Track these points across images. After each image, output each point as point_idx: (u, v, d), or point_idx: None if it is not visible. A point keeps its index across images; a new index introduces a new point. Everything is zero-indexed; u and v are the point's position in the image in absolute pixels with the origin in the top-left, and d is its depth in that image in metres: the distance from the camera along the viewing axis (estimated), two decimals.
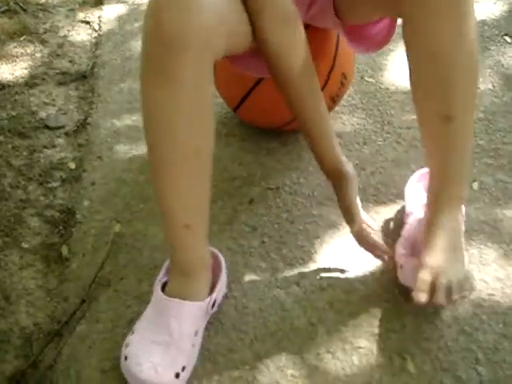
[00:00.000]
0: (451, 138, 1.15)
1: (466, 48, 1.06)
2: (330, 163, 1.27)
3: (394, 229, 1.38)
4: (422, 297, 1.12)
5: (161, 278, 1.21)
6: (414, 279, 1.18)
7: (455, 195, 1.21)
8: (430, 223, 1.21)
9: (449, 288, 1.14)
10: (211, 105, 1.07)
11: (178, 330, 1.13)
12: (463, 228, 1.25)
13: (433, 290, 1.13)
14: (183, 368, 1.12)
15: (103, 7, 2.29)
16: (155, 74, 0.98)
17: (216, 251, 1.27)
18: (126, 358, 1.12)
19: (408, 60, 1.13)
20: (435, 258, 1.16)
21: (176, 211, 1.10)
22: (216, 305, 1.22)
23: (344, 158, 1.28)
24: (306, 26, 1.24)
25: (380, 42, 1.35)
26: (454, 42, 1.05)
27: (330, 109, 1.58)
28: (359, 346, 1.19)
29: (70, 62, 2.00)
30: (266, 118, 1.59)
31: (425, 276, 1.14)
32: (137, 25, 2.16)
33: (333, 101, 1.53)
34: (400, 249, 1.29)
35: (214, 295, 1.20)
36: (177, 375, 1.10)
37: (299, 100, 1.21)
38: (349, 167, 1.28)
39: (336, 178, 1.28)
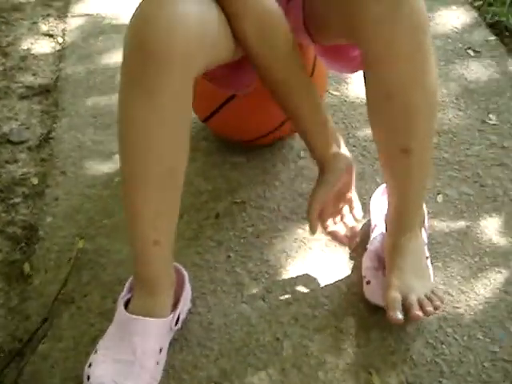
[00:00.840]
0: (410, 169, 1.16)
1: (424, 80, 1.07)
2: (320, 155, 1.26)
3: (360, 242, 1.38)
4: (397, 315, 1.12)
5: (124, 295, 1.19)
6: (380, 297, 1.20)
7: (416, 221, 1.24)
8: (394, 246, 1.23)
9: (420, 302, 1.15)
10: (189, 123, 1.07)
11: (141, 348, 1.11)
12: (426, 244, 1.28)
13: (406, 307, 1.14)
14: None
15: (67, 20, 2.26)
16: (137, 87, 0.97)
17: (179, 266, 1.25)
18: (88, 377, 1.09)
19: (367, 96, 1.13)
20: (403, 278, 1.18)
21: (146, 227, 1.08)
22: (180, 321, 1.20)
23: (337, 150, 1.25)
24: None
25: (356, 66, 1.30)
26: (409, 75, 1.05)
27: None
28: (325, 361, 1.18)
29: (34, 75, 1.98)
30: (236, 133, 1.58)
31: (395, 295, 1.15)
32: (101, 38, 2.14)
33: None
34: (367, 262, 1.29)
35: (178, 311, 1.19)
36: None
37: (295, 109, 1.21)
38: (338, 161, 1.25)
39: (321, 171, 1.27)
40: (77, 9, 2.33)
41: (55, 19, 2.29)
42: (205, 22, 0.98)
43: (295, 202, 1.50)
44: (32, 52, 2.10)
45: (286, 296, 1.30)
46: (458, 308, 1.26)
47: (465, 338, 1.22)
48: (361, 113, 1.76)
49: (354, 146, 1.66)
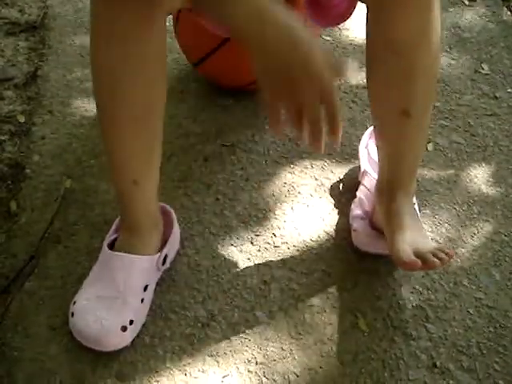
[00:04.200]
0: (409, 133, 1.13)
1: (430, 39, 1.03)
2: None
3: (348, 188, 1.37)
4: (411, 258, 1.08)
5: (110, 235, 1.19)
6: (367, 245, 1.22)
7: (411, 187, 1.21)
8: (390, 212, 1.18)
9: (432, 252, 1.09)
10: (163, 61, 1.04)
11: (124, 284, 1.11)
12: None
13: (419, 257, 1.08)
14: (131, 322, 1.10)
15: None
16: (103, 35, 0.97)
17: (168, 207, 1.24)
18: (72, 314, 1.11)
19: (367, 52, 1.10)
20: (406, 236, 1.13)
21: (124, 167, 1.10)
22: (168, 261, 1.20)
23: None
24: None
25: (340, 15, 1.26)
26: (418, 32, 1.02)
27: None
28: (312, 304, 1.19)
29: (20, 11, 1.93)
30: (228, 78, 1.56)
31: (404, 246, 1.11)
32: None
33: None
34: (355, 210, 1.29)
35: (165, 250, 1.19)
36: (124, 328, 1.09)
37: None
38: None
39: None
40: None
41: None
42: None
43: (285, 146, 1.48)
44: None
45: (274, 239, 1.30)
46: None
47: (451, 284, 1.23)
48: (353, 58, 1.74)
49: (345, 93, 1.64)
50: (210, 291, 1.21)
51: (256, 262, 1.26)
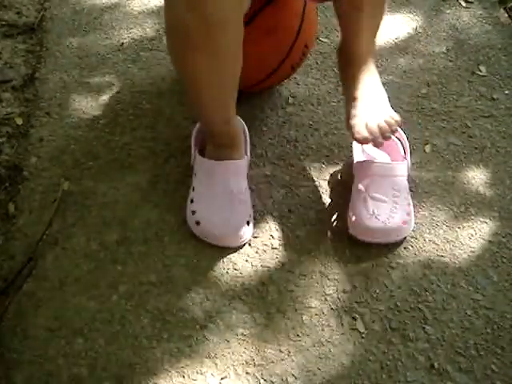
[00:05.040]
0: (362, 26, 1.31)
1: None
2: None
3: (344, 189, 1.38)
4: (363, 133, 1.25)
5: (194, 152, 1.36)
6: (366, 234, 1.27)
7: (369, 55, 1.37)
8: (348, 78, 1.36)
9: (380, 127, 1.25)
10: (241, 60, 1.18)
11: (235, 186, 1.28)
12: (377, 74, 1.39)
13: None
14: (249, 215, 1.28)
15: None
16: (196, 47, 1.08)
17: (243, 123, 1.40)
18: (197, 223, 1.26)
19: None
20: (360, 107, 1.30)
21: (217, 118, 1.28)
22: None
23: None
24: None
25: None
26: None
27: (289, 76, 1.57)
28: (310, 306, 1.19)
29: (18, 13, 1.93)
30: None
31: (356, 121, 1.27)
32: None
33: (293, 69, 1.52)
34: (355, 197, 1.31)
35: (248, 154, 1.38)
36: (247, 223, 1.27)
37: None
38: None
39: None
40: None
41: None
42: None
43: (282, 148, 1.49)
44: None
45: (272, 241, 1.30)
46: (442, 256, 1.27)
47: (448, 285, 1.23)
48: None
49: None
50: (207, 293, 1.21)
51: (254, 264, 1.26)
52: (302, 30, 1.43)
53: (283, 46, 1.42)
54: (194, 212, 1.27)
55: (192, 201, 1.29)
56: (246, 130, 1.40)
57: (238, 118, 1.37)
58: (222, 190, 1.28)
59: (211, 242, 1.26)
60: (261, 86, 1.53)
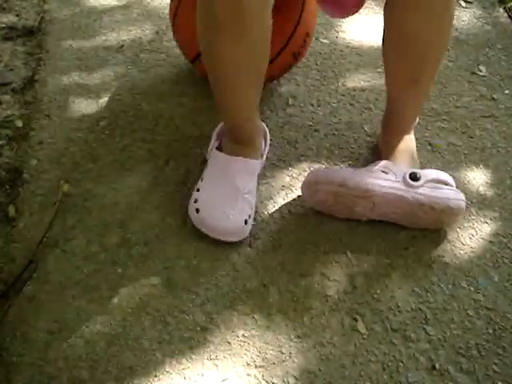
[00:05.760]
0: (415, 96, 1.35)
1: (446, 37, 1.25)
2: None
3: None
4: None
5: (212, 145, 1.37)
6: None
7: (412, 126, 1.43)
8: (388, 145, 1.39)
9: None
10: (268, 47, 1.21)
11: (243, 184, 1.30)
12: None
13: None
14: (249, 216, 1.28)
15: None
16: (228, 33, 1.11)
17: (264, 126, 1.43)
18: (197, 210, 1.27)
19: (386, 37, 1.28)
20: (399, 160, 1.34)
21: (239, 111, 1.31)
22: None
23: None
24: None
25: (350, 8, 1.37)
26: (439, 34, 1.21)
27: (292, 65, 1.57)
28: (310, 307, 1.19)
29: (17, 16, 1.93)
30: None
31: None
32: None
33: (294, 58, 1.52)
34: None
35: (264, 157, 1.40)
36: (245, 222, 1.27)
37: None
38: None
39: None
40: None
41: None
42: None
43: (283, 150, 1.49)
44: None
45: (273, 242, 1.29)
46: (443, 257, 1.27)
47: (449, 286, 1.23)
48: (350, 61, 1.74)
49: (342, 95, 1.64)
50: (208, 294, 1.21)
51: (254, 265, 1.25)
52: (303, 15, 1.44)
53: (284, 29, 1.44)
54: (196, 200, 1.29)
55: (198, 190, 1.31)
56: (268, 133, 1.43)
57: (261, 122, 1.41)
58: (229, 185, 1.30)
59: (205, 231, 1.27)
60: None
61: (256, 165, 1.35)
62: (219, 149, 1.38)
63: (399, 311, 1.18)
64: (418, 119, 1.45)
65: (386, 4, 1.23)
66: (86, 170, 1.44)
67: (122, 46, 1.80)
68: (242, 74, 1.20)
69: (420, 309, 1.19)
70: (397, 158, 1.35)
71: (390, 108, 1.41)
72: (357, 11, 1.38)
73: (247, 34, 1.12)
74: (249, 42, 1.14)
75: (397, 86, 1.35)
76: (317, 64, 1.74)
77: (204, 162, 1.39)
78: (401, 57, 1.28)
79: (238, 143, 1.35)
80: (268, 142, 1.42)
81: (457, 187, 1.31)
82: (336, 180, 1.26)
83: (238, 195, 1.29)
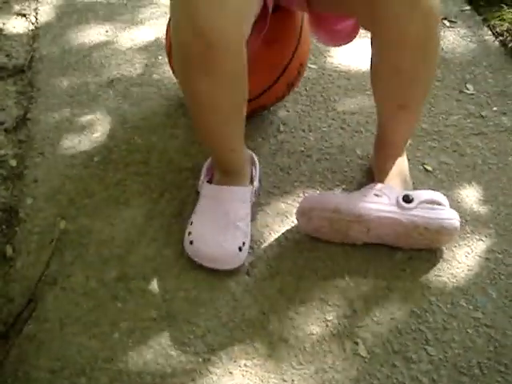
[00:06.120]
0: (405, 122, 1.36)
1: (433, 65, 1.25)
2: None
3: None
4: None
5: (203, 179, 1.40)
6: None
7: (403, 149, 1.44)
8: (381, 169, 1.41)
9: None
10: (246, 81, 1.20)
11: (234, 212, 1.31)
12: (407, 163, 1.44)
13: None
14: (243, 243, 1.29)
15: None
16: (201, 71, 1.11)
17: (249, 150, 1.44)
18: (191, 242, 1.29)
19: (374, 70, 1.29)
20: (392, 183, 1.35)
21: (222, 146, 1.32)
22: (256, 194, 1.42)
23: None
24: (274, 10, 1.25)
25: (347, 36, 1.40)
26: (424, 63, 1.20)
27: (285, 95, 1.58)
28: (311, 333, 1.19)
29: (7, 56, 1.95)
30: None
31: None
32: (75, 17, 2.11)
33: (288, 88, 1.54)
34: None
35: (255, 183, 1.40)
36: (240, 249, 1.27)
37: None
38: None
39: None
40: None
41: None
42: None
43: (276, 176, 1.50)
44: (4, 32, 2.06)
45: (270, 270, 1.30)
46: (440, 276, 1.28)
47: (448, 305, 1.23)
48: (339, 86, 1.76)
49: (333, 120, 1.66)
50: (208, 325, 1.21)
51: (253, 293, 1.26)
52: (299, 47, 1.46)
53: (280, 61, 1.46)
54: (190, 233, 1.30)
55: (191, 223, 1.32)
56: (256, 159, 1.44)
57: (247, 150, 1.42)
58: (220, 214, 1.31)
59: (200, 261, 1.28)
60: (255, 105, 1.53)
61: (245, 192, 1.36)
62: (210, 181, 1.39)
63: (399, 333, 1.19)
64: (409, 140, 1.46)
65: (371, 38, 1.24)
66: (82, 205, 1.44)
67: (112, 80, 1.82)
68: (219, 112, 1.21)
69: (420, 329, 1.19)
70: (390, 181, 1.36)
71: (380, 133, 1.43)
72: (351, 41, 1.41)
73: (221, 71, 1.11)
74: (223, 80, 1.13)
75: (385, 112, 1.37)
76: (306, 89, 1.76)
77: (197, 193, 1.40)
78: (387, 86, 1.29)
79: (226, 174, 1.36)
80: (257, 167, 1.43)
81: (450, 206, 1.32)
82: (329, 206, 1.27)
83: (229, 223, 1.30)
